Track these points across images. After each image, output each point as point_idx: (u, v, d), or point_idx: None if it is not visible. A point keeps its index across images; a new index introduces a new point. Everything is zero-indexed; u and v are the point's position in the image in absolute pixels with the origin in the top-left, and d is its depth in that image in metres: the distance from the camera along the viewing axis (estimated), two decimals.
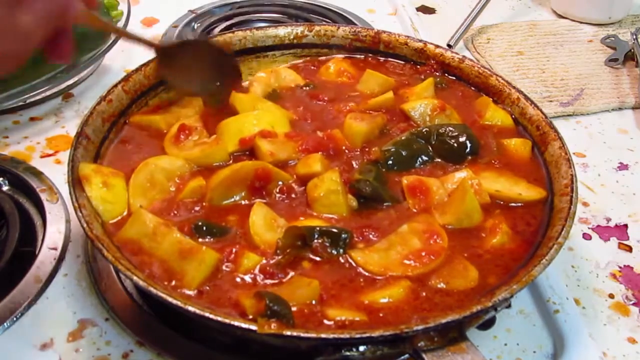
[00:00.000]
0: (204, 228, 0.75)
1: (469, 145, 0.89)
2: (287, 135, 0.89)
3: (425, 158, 0.89)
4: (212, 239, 0.75)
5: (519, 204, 0.84)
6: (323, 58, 1.10)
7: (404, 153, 0.88)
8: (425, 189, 0.83)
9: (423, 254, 0.74)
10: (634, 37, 1.40)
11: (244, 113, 0.91)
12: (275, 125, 0.89)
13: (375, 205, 0.81)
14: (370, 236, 0.77)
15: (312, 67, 1.08)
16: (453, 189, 0.83)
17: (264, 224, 0.76)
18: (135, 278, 0.65)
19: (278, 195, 0.82)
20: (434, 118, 0.95)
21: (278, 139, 0.88)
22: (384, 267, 0.73)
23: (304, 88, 1.03)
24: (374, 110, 0.97)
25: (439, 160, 0.89)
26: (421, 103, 0.96)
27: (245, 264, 0.72)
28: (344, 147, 0.89)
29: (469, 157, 0.89)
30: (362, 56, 1.11)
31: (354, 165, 0.87)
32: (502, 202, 0.83)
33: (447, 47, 1.10)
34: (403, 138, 0.90)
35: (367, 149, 0.89)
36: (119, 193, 0.78)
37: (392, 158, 0.87)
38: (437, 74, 1.06)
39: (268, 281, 0.71)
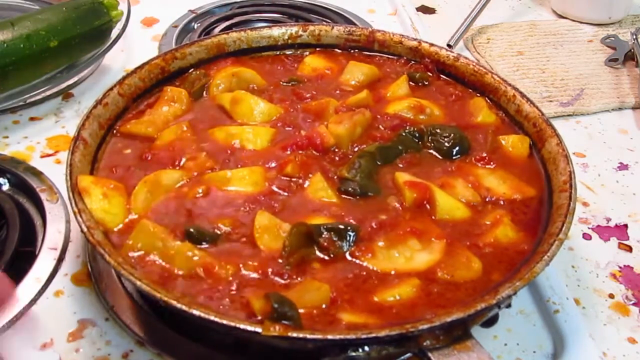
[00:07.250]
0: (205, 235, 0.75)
1: (457, 144, 0.89)
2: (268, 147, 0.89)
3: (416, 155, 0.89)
4: (207, 245, 0.74)
5: (512, 201, 0.83)
6: (295, 53, 1.09)
7: (393, 148, 0.88)
8: (422, 187, 0.82)
9: (424, 250, 0.74)
10: (634, 37, 1.40)
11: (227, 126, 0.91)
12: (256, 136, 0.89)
13: (367, 197, 0.82)
14: (371, 230, 0.77)
15: (287, 61, 1.06)
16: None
17: (269, 232, 0.75)
18: (139, 283, 0.65)
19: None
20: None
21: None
22: (389, 265, 0.73)
23: (288, 84, 1.02)
24: (355, 107, 0.95)
25: (430, 155, 0.89)
26: (398, 106, 0.96)
27: (255, 266, 0.71)
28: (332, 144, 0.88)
29: (459, 156, 0.89)
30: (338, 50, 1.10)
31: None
32: (494, 199, 0.83)
33: (442, 46, 1.08)
34: (395, 138, 0.90)
35: (355, 144, 0.89)
36: (119, 203, 0.77)
37: (381, 153, 0.87)
38: (422, 69, 1.06)
39: (279, 281, 0.70)
